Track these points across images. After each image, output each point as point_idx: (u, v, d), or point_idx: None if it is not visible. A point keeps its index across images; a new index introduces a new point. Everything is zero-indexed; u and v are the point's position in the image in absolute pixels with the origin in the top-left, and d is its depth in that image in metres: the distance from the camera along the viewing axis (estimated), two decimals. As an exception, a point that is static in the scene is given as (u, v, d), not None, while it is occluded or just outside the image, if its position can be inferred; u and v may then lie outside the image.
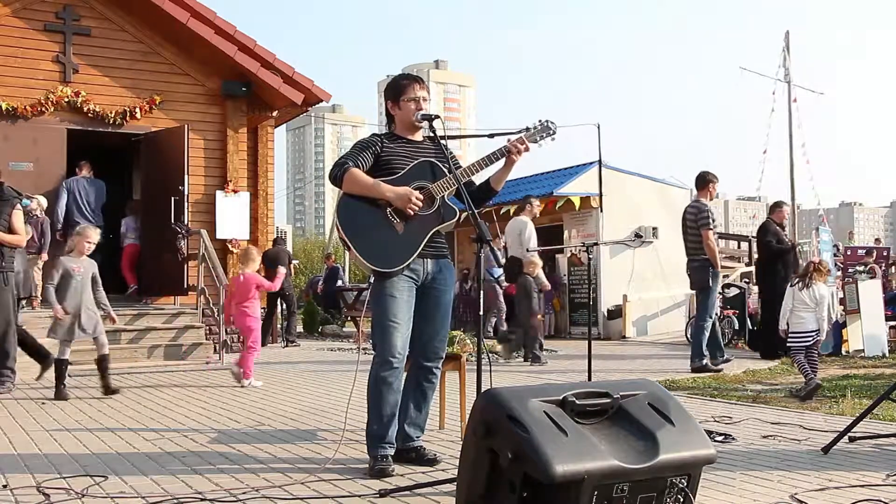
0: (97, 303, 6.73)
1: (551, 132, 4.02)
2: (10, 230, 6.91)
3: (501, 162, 4.00)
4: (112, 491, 3.52)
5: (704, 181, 8.71)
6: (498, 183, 4.08)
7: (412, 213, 3.85)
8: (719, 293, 10.00)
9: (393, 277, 3.87)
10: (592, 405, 2.79)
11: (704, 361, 8.38)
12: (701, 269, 8.45)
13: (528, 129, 4.04)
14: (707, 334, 8.45)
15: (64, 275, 6.52)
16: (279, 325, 13.23)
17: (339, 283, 17.87)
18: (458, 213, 3.98)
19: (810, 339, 6.63)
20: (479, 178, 4.17)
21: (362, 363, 4.10)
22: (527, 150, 3.98)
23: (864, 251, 13.66)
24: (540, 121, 4.05)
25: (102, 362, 6.66)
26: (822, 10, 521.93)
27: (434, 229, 3.93)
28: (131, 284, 11.93)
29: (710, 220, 8.45)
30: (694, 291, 9.02)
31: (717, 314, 9.07)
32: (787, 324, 6.69)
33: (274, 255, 12.44)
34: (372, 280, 3.96)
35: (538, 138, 4.02)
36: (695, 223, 8.49)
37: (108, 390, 6.58)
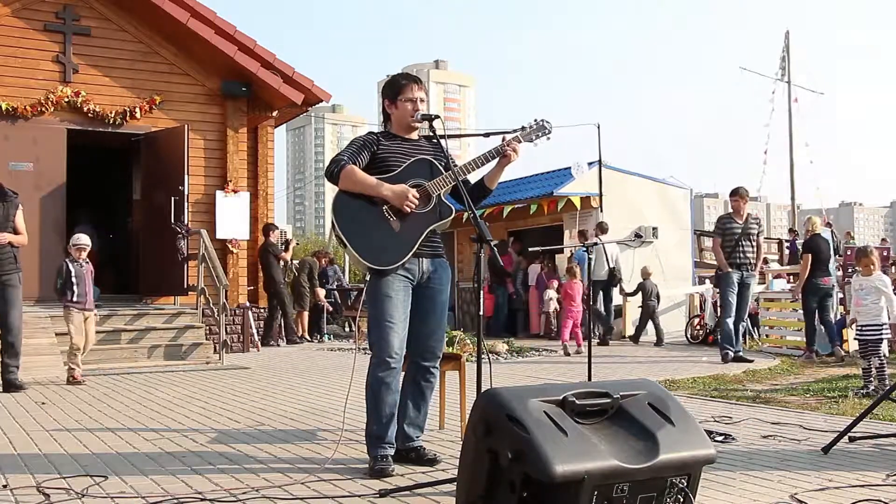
0: None
1: (547, 131, 4.04)
2: (15, 231, 6.97)
3: (496, 161, 4.01)
4: (112, 491, 3.53)
5: (737, 195, 9.49)
6: (492, 182, 4.07)
7: (409, 210, 3.85)
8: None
9: (388, 276, 3.86)
10: (592, 405, 2.79)
11: (732, 352, 9.19)
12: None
13: (523, 129, 4.05)
14: (726, 329, 9.29)
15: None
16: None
17: (339, 283, 17.82)
18: (453, 211, 3.97)
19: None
20: (473, 178, 4.17)
21: (362, 364, 4.10)
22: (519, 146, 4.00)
23: (864, 251, 13.60)
24: (535, 120, 4.07)
25: None
26: (822, 10, 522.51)
27: (430, 227, 3.93)
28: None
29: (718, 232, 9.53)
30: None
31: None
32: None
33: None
34: (368, 278, 3.95)
35: (534, 137, 4.04)
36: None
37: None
